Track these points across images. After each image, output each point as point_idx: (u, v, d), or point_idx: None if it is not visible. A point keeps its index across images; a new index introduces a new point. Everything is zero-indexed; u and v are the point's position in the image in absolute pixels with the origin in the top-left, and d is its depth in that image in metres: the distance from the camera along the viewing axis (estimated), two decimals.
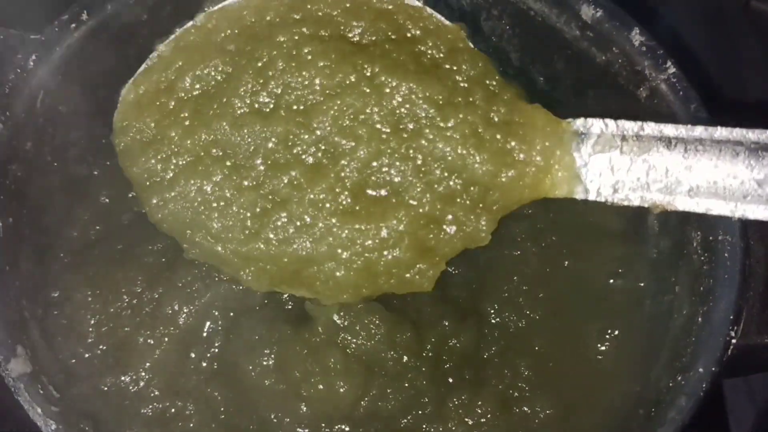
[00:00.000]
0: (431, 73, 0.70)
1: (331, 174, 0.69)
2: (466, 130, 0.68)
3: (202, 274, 0.79)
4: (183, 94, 0.71)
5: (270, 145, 0.70)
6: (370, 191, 0.69)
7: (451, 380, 0.77)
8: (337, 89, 0.69)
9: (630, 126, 0.67)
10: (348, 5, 0.71)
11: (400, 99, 0.69)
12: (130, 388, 0.76)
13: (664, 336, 0.75)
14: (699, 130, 0.65)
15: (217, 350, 0.78)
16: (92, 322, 0.78)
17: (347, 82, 0.69)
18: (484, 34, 0.86)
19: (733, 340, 0.69)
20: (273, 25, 0.71)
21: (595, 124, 0.68)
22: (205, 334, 0.78)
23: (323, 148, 0.69)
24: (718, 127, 0.65)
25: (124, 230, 0.82)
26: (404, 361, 0.76)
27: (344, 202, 0.69)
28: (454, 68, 0.70)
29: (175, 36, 0.73)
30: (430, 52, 0.71)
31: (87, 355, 0.77)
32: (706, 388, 0.68)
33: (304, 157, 0.69)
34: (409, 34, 0.71)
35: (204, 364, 0.77)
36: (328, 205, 0.69)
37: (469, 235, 0.69)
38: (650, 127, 0.66)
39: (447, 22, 0.72)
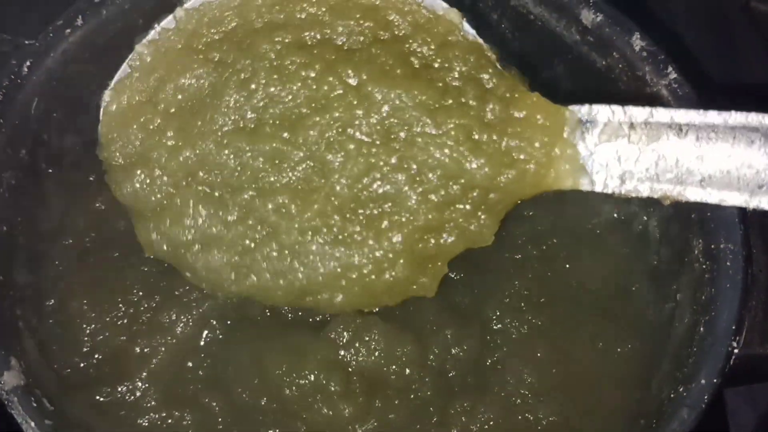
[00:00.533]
0: (420, 77, 0.67)
1: (321, 197, 0.67)
2: (459, 134, 0.66)
3: None
4: (165, 106, 0.69)
5: (257, 164, 0.68)
6: (363, 210, 0.67)
7: (456, 389, 0.76)
8: (322, 101, 0.67)
9: (638, 112, 0.64)
10: (333, 3, 0.69)
11: (388, 108, 0.67)
12: (127, 398, 0.75)
13: (665, 345, 0.75)
14: (712, 116, 0.62)
15: (214, 361, 0.76)
16: (88, 331, 0.77)
17: (333, 94, 0.67)
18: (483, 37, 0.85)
19: (735, 351, 0.68)
20: (256, 32, 0.69)
21: (601, 112, 0.65)
22: (202, 344, 0.77)
23: (312, 164, 0.67)
24: (732, 112, 0.62)
25: (120, 237, 0.81)
26: (407, 373, 0.75)
27: (336, 228, 0.67)
28: (445, 65, 0.67)
29: (155, 37, 0.71)
30: (419, 50, 0.68)
31: (82, 365, 0.76)
32: (708, 399, 0.67)
33: (292, 178, 0.67)
34: (397, 32, 0.68)
35: (201, 374, 0.76)
36: (320, 232, 0.67)
37: (471, 237, 0.68)
38: (660, 114, 0.64)
39: (441, 9, 0.69)
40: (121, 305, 0.78)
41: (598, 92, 0.81)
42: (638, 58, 0.76)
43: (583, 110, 0.66)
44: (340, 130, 0.67)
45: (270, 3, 0.69)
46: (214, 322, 0.77)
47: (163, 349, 0.77)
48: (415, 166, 0.66)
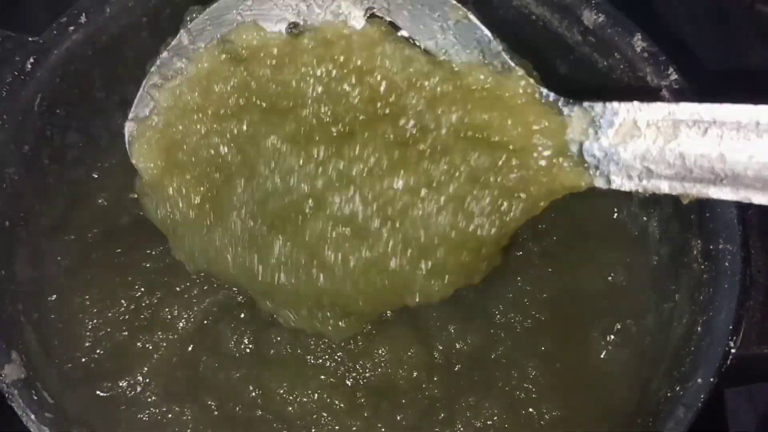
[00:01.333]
0: (409, 157, 0.66)
1: (326, 287, 0.69)
2: (455, 206, 0.66)
3: (201, 280, 0.79)
4: (184, 189, 0.71)
5: (269, 257, 0.69)
6: (369, 289, 0.69)
7: (462, 383, 0.77)
8: (319, 197, 0.68)
9: (656, 109, 0.61)
10: (330, 67, 0.68)
11: (383, 198, 0.67)
12: (127, 393, 0.75)
13: (664, 345, 0.75)
14: (735, 110, 0.58)
15: (214, 358, 0.77)
16: (89, 326, 0.77)
17: (329, 188, 0.68)
18: None
19: (732, 350, 0.68)
20: (257, 124, 0.69)
21: (617, 110, 0.62)
22: (203, 341, 0.78)
23: (318, 253, 0.68)
24: (759, 107, 0.57)
25: (122, 234, 0.82)
26: (415, 376, 0.76)
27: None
28: (431, 127, 0.66)
29: (169, 76, 0.70)
30: (411, 110, 0.67)
31: (83, 360, 0.76)
32: (705, 399, 0.67)
33: (300, 270, 0.69)
34: (393, 92, 0.67)
35: (201, 371, 0.77)
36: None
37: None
38: (680, 110, 0.60)
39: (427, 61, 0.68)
40: (122, 301, 0.79)
41: (600, 93, 0.81)
42: (640, 59, 0.76)
43: (597, 108, 0.63)
44: (340, 223, 0.68)
45: (274, 65, 0.69)
46: (214, 319, 0.78)
47: (164, 344, 0.77)
48: (423, 237, 0.67)
